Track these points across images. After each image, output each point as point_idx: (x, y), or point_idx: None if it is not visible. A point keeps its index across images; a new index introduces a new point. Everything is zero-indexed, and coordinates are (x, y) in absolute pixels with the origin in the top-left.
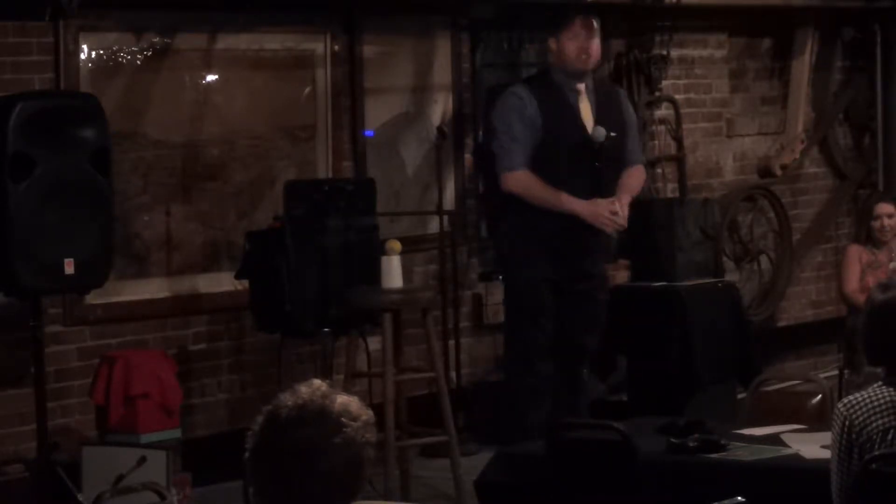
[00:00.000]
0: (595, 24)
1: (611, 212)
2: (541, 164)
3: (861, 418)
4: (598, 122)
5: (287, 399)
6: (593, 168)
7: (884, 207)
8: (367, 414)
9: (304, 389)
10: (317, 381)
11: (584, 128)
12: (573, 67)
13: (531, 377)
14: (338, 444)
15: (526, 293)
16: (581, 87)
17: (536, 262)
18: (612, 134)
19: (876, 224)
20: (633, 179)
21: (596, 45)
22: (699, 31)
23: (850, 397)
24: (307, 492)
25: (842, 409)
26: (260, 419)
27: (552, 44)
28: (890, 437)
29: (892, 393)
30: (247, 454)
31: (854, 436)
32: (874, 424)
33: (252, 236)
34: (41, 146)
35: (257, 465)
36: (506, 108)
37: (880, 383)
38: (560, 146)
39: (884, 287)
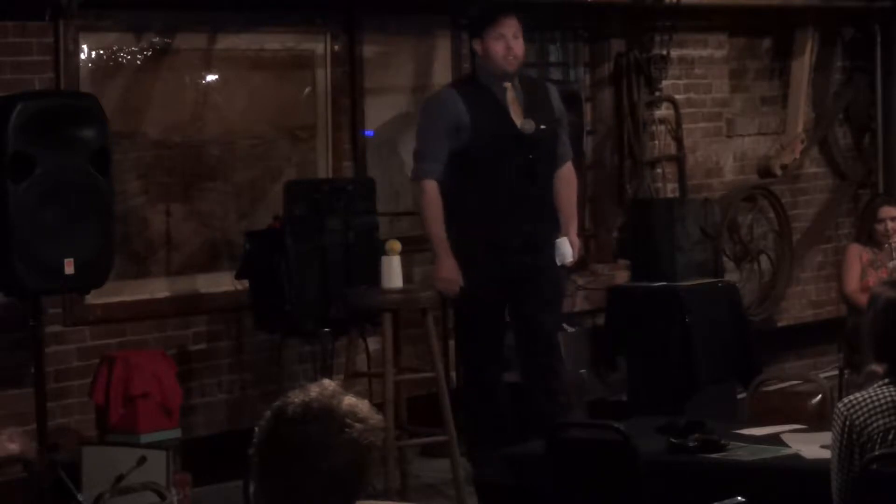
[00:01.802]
0: (518, 22)
1: (448, 280)
2: (474, 162)
3: (862, 418)
4: (526, 116)
5: (295, 396)
6: (527, 161)
7: (888, 211)
8: (376, 418)
9: (313, 388)
10: (327, 381)
11: (513, 123)
12: (499, 69)
13: (480, 384)
14: (340, 443)
15: (469, 298)
16: (508, 85)
17: (476, 263)
18: (542, 126)
19: (880, 227)
20: (572, 189)
21: (521, 44)
22: (699, 31)
23: (851, 397)
24: (305, 489)
25: (842, 409)
26: (266, 416)
27: (477, 45)
28: (891, 437)
29: (894, 392)
30: (251, 448)
31: (854, 436)
32: (875, 424)
33: (252, 236)
34: (41, 146)
35: (259, 459)
36: (428, 112)
37: (881, 383)
38: (492, 143)
39: (891, 284)
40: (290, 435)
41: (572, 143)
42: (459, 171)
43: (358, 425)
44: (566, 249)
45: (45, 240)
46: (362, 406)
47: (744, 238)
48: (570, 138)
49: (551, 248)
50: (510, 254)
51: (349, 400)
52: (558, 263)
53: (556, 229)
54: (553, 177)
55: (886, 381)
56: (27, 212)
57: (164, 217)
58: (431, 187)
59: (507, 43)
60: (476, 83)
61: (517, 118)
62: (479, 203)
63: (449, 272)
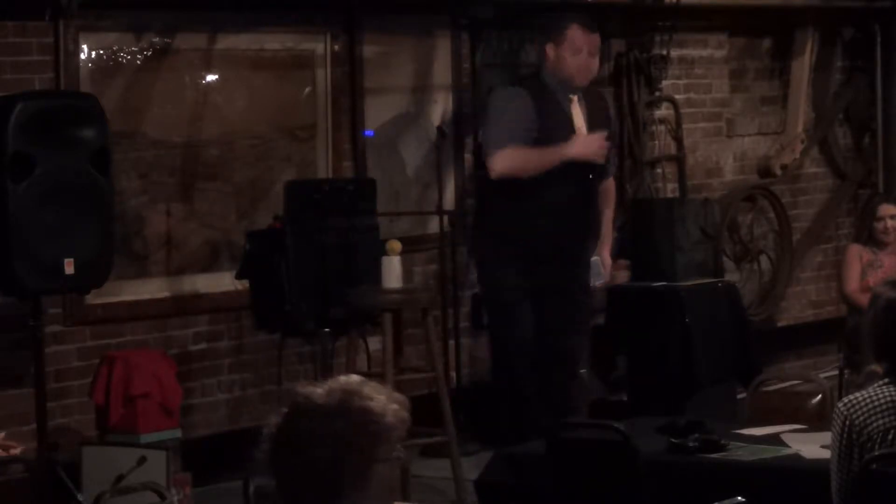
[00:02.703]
0: (599, 40)
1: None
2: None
3: (862, 418)
4: (590, 131)
5: (318, 387)
6: (587, 180)
7: (888, 209)
8: (399, 415)
9: (339, 380)
10: (354, 376)
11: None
12: (572, 82)
13: (512, 381)
14: (357, 438)
15: (499, 300)
16: (574, 96)
17: (507, 271)
18: (607, 141)
19: (879, 226)
20: (611, 206)
21: (597, 62)
22: (699, 31)
23: (851, 396)
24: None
25: (842, 409)
26: (286, 407)
27: (549, 50)
28: (891, 437)
29: (894, 392)
30: (266, 432)
31: (854, 436)
32: (875, 424)
33: (252, 236)
34: (41, 146)
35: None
36: (503, 99)
37: (881, 382)
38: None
39: (891, 284)
40: (311, 427)
41: None
42: (514, 180)
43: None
44: (599, 269)
45: (45, 240)
46: (385, 396)
47: (744, 238)
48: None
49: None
50: (548, 267)
51: (372, 391)
52: (591, 283)
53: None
54: (600, 192)
55: (886, 380)
56: (27, 212)
57: (164, 217)
58: (513, 149)
59: (587, 61)
60: (542, 86)
61: (580, 131)
62: (530, 215)
63: (585, 142)
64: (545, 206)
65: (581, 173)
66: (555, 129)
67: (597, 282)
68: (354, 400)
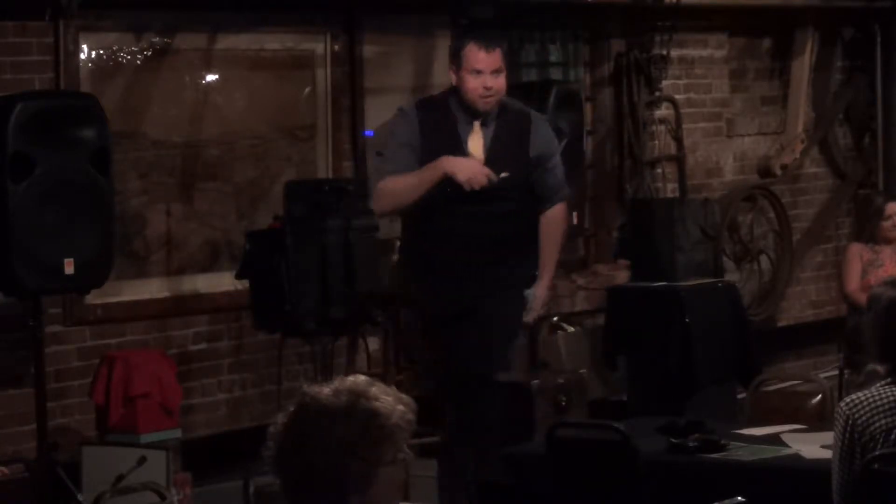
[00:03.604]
0: (501, 54)
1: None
2: (424, 208)
3: (864, 417)
4: (490, 159)
5: (325, 387)
6: (475, 209)
7: (894, 207)
8: (405, 417)
9: (347, 380)
10: (361, 376)
11: None
12: (473, 106)
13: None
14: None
15: (423, 323)
16: (477, 123)
17: (421, 294)
18: (503, 175)
19: (887, 224)
20: (555, 234)
21: (502, 80)
22: (699, 31)
23: (853, 396)
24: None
25: (844, 409)
26: (292, 407)
27: (452, 74)
28: (893, 437)
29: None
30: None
31: (857, 435)
32: (877, 424)
33: (252, 236)
34: (41, 146)
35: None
36: (392, 122)
37: (884, 382)
38: (444, 189)
39: (892, 284)
40: (318, 428)
41: (573, 144)
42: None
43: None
44: (529, 304)
45: (45, 240)
46: (390, 394)
47: (744, 238)
48: (571, 139)
49: (513, 294)
50: (449, 294)
51: (376, 390)
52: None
53: (527, 273)
54: (527, 218)
55: (889, 380)
56: (27, 212)
57: (164, 217)
58: (390, 179)
59: (485, 81)
60: (443, 108)
61: (476, 157)
62: (425, 241)
63: (468, 164)
64: (437, 232)
65: (477, 197)
66: (440, 152)
67: (525, 317)
68: (361, 401)
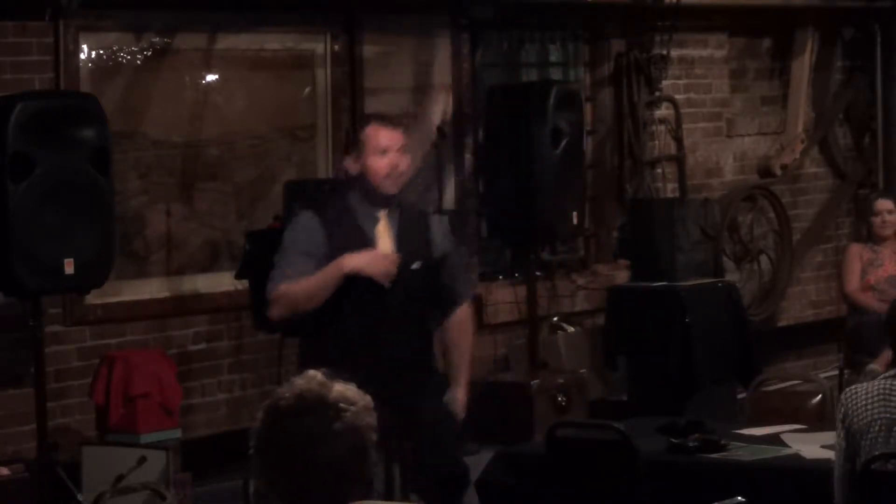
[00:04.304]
0: (404, 133)
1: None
2: (328, 303)
3: (853, 407)
4: (400, 251)
5: (285, 391)
6: (388, 305)
7: (884, 203)
8: (365, 399)
9: (299, 380)
10: (312, 372)
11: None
12: (380, 192)
13: None
14: (338, 429)
15: None
16: (382, 213)
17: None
18: (415, 266)
19: (877, 220)
20: (465, 338)
21: (407, 160)
22: (699, 31)
23: (854, 386)
24: (314, 480)
25: (842, 398)
26: (261, 414)
27: (351, 165)
28: (875, 428)
29: (887, 385)
30: (251, 450)
31: (848, 423)
32: (864, 414)
33: (252, 236)
34: (41, 146)
35: (263, 458)
36: (290, 228)
37: (885, 374)
38: (350, 280)
39: None
40: (288, 429)
41: (572, 143)
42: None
43: (351, 408)
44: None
45: (45, 240)
46: (350, 390)
47: (744, 238)
48: (570, 140)
49: (428, 402)
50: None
51: (337, 386)
52: None
53: (432, 381)
54: (431, 322)
55: (892, 372)
56: (27, 212)
57: (164, 217)
58: (285, 285)
59: (392, 159)
60: (343, 206)
61: (385, 251)
62: (329, 344)
63: (371, 256)
64: (335, 337)
65: (379, 300)
66: (347, 249)
67: None
68: (323, 393)
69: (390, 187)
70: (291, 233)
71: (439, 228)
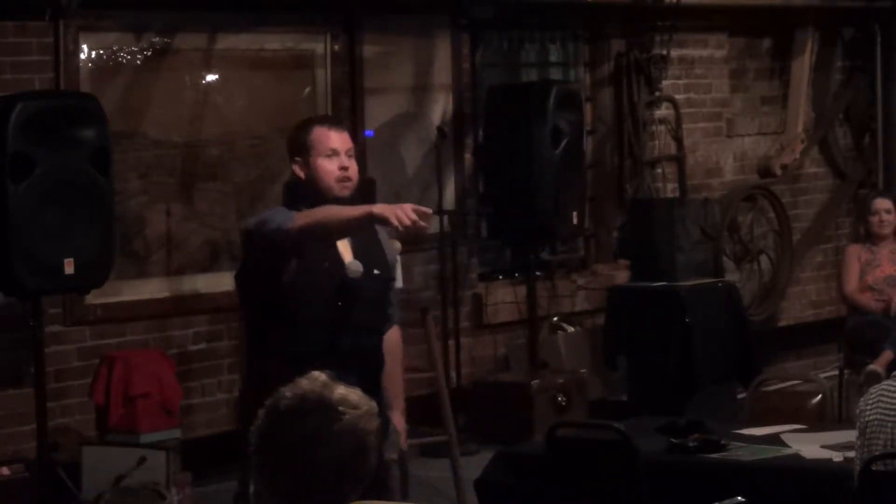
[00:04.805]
0: (349, 140)
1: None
2: (289, 301)
3: (863, 406)
4: (357, 256)
5: (287, 391)
6: (347, 310)
7: (881, 203)
8: (369, 404)
9: (303, 381)
10: (316, 373)
11: (341, 260)
12: (331, 194)
13: None
14: (338, 431)
15: None
16: None
17: None
18: (375, 272)
19: (874, 219)
20: (397, 360)
21: (356, 165)
22: (699, 31)
23: (880, 384)
24: (313, 481)
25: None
26: (261, 414)
27: (299, 170)
28: (869, 431)
29: (887, 385)
30: (250, 449)
31: (859, 422)
32: (865, 416)
33: None
34: (41, 146)
35: (262, 458)
36: (268, 212)
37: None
38: (313, 281)
39: None
40: (289, 431)
41: (572, 143)
42: (273, 310)
43: (353, 411)
44: (389, 438)
45: (45, 240)
46: (353, 393)
47: (744, 238)
48: (571, 139)
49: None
50: None
51: (340, 389)
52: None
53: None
54: (380, 337)
55: None
56: (27, 212)
57: (164, 217)
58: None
59: (342, 161)
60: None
61: (346, 256)
62: (285, 348)
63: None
64: (300, 339)
65: (341, 301)
66: (312, 259)
67: (390, 453)
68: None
69: (342, 190)
70: (273, 211)
71: (386, 237)
